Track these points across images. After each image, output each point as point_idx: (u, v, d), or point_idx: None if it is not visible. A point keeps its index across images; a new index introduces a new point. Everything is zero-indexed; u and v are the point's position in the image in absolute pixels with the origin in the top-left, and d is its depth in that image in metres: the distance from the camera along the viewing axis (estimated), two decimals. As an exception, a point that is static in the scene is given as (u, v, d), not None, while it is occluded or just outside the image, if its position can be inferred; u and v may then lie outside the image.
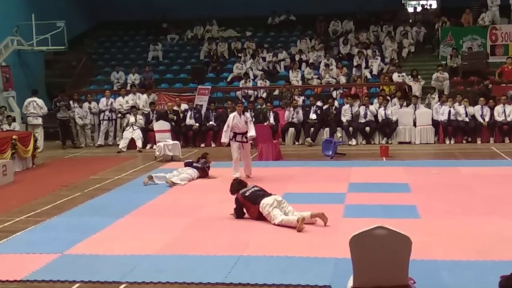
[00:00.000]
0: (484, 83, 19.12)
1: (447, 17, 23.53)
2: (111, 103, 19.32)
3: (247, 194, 9.23)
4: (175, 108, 18.90)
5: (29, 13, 21.66)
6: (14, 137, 14.46)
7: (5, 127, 18.17)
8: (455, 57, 21.21)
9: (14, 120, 18.85)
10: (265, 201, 8.97)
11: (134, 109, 18.67)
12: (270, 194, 9.19)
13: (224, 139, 12.72)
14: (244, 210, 9.23)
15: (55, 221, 9.49)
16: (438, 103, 18.10)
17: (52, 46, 22.79)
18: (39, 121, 18.59)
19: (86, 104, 19.32)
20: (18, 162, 14.54)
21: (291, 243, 7.85)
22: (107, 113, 19.22)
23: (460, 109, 17.54)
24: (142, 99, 19.47)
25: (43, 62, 24.29)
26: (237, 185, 9.59)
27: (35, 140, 15.68)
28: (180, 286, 6.48)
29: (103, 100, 19.35)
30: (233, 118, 12.53)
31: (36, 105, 18.63)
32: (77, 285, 6.58)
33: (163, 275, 6.73)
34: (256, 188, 9.37)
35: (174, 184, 11.89)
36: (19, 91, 20.86)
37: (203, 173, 12.73)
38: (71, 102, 19.23)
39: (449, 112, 17.57)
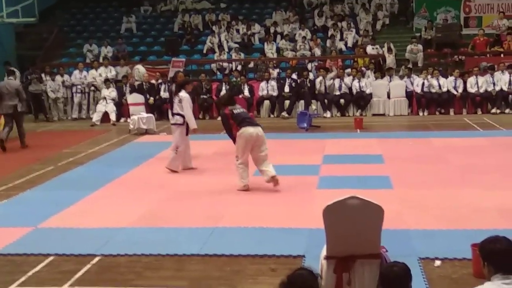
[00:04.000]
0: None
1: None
2: (84, 76, 19.07)
3: (235, 111, 9.13)
4: (152, 81, 18.69)
5: (-2, -16, 21.17)
6: (-16, 110, 14.18)
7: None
8: (429, 29, 21.27)
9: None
10: (246, 131, 8.93)
11: (107, 82, 18.45)
12: (257, 125, 9.15)
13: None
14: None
15: (27, 195, 9.41)
16: (412, 75, 18.18)
17: (23, 18, 22.30)
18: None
19: (58, 77, 19.02)
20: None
21: (266, 215, 7.90)
22: (79, 86, 18.98)
23: (434, 81, 17.67)
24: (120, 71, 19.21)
25: (14, 34, 23.80)
26: (227, 99, 9.47)
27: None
28: (156, 258, 6.49)
29: (76, 73, 19.09)
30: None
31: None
32: (51, 258, 6.56)
33: (138, 247, 6.73)
34: (244, 112, 9.31)
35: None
36: (-11, 64, 20.47)
37: None
38: (42, 75, 18.93)
39: (423, 84, 17.69)
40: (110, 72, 19.32)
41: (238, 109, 9.30)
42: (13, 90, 13.70)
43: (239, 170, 9.22)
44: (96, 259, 6.50)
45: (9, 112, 13.64)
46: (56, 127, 17.58)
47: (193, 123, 10.54)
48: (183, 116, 10.55)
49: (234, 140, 9.19)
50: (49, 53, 22.72)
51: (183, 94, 10.60)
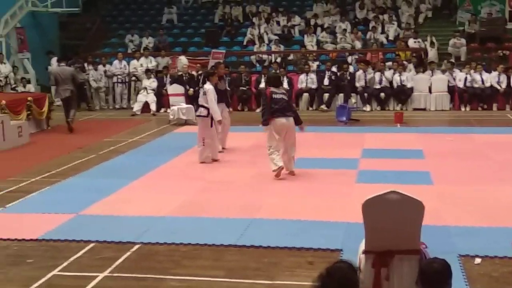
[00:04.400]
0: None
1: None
2: (124, 66, 19.29)
3: (274, 96, 9.38)
4: (193, 72, 18.80)
5: (44, -26, 21.59)
6: (29, 98, 14.54)
7: (20, 88, 18.26)
8: (473, 23, 20.87)
9: (29, 82, 18.90)
10: (279, 121, 9.25)
11: (148, 72, 18.65)
12: (289, 116, 9.36)
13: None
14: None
15: (70, 182, 9.60)
16: (454, 70, 17.88)
17: (67, 7, 22.71)
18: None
19: (100, 67, 19.27)
20: (33, 124, 14.63)
21: (304, 207, 7.90)
22: (120, 76, 19.21)
23: (476, 76, 17.34)
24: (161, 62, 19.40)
25: (58, 24, 24.23)
26: (272, 80, 9.92)
27: (51, 103, 15.72)
28: (193, 247, 6.56)
29: (116, 63, 19.30)
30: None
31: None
32: (92, 244, 6.69)
33: (177, 237, 6.81)
34: (283, 98, 9.44)
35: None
36: (34, 53, 20.90)
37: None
38: (85, 65, 19.23)
39: (465, 79, 17.39)
40: (150, 62, 19.50)
41: (279, 95, 9.47)
42: (69, 76, 14.54)
43: (272, 155, 9.45)
44: (136, 247, 6.61)
45: (67, 95, 14.43)
46: (98, 116, 17.86)
47: (217, 115, 10.53)
48: (207, 108, 10.57)
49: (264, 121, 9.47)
50: (91, 43, 23.06)
51: (207, 86, 10.64)
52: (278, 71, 18.57)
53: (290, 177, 9.55)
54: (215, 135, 10.88)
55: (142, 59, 19.55)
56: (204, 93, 10.59)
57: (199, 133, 10.79)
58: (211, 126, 10.71)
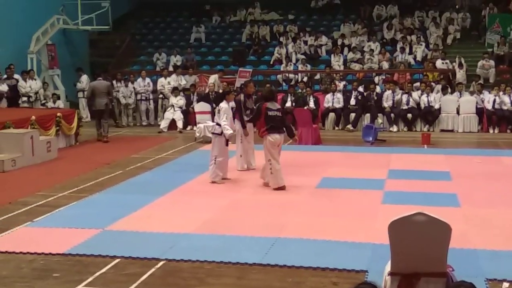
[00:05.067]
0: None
1: (495, 4, 22.96)
2: (148, 83, 19.46)
3: (269, 113, 10.02)
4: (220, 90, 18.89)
5: (74, -7, 21.99)
6: (58, 114, 14.75)
7: (50, 104, 18.53)
8: (502, 45, 20.72)
9: (58, 98, 19.19)
10: (274, 137, 9.97)
11: (176, 90, 18.81)
12: (283, 131, 10.14)
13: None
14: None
15: (97, 198, 9.69)
16: (483, 92, 17.72)
17: (97, 25, 23.08)
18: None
19: (131, 84, 19.50)
20: (62, 139, 14.84)
21: (328, 227, 7.86)
22: (143, 94, 19.36)
23: (505, 98, 17.16)
24: (188, 80, 19.58)
25: (88, 41, 24.64)
26: (267, 95, 10.60)
27: (80, 119, 15.96)
28: (218, 265, 6.57)
29: (140, 81, 19.47)
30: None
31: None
32: (117, 260, 6.73)
33: (201, 254, 6.82)
34: (278, 115, 10.09)
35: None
36: (64, 70, 21.24)
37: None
38: (114, 82, 19.47)
39: (494, 101, 17.22)
40: (181, 80, 19.65)
41: (273, 111, 10.12)
42: (105, 90, 15.89)
43: (275, 171, 9.94)
44: (161, 263, 6.63)
45: (102, 108, 15.72)
46: (125, 132, 18.03)
47: (227, 131, 10.49)
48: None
49: (254, 126, 10.54)
50: (120, 61, 23.38)
51: (223, 104, 10.69)
52: (304, 91, 18.65)
53: (316, 197, 9.52)
54: (227, 154, 10.88)
55: (173, 76, 19.72)
56: (219, 111, 10.66)
57: (212, 151, 10.82)
58: (226, 145, 10.74)
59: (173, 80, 19.59)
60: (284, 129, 10.32)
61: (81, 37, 23.69)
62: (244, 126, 11.30)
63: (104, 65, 21.77)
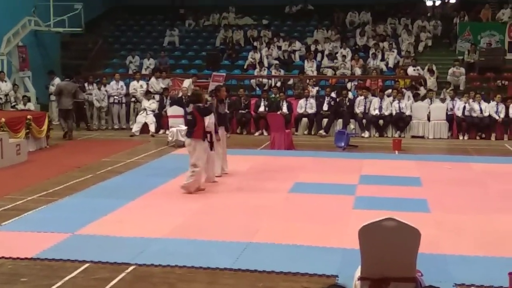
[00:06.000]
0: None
1: (466, 12, 23.33)
2: (121, 87, 19.33)
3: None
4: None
5: (47, -6, 21.76)
6: (28, 117, 14.55)
7: (20, 106, 18.30)
8: (472, 53, 21.04)
9: (29, 100, 18.96)
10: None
11: (148, 93, 18.71)
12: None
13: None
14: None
15: (66, 201, 9.58)
16: (455, 99, 17.96)
17: (69, 27, 22.87)
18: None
19: (103, 87, 19.34)
20: (32, 142, 14.63)
21: (300, 232, 7.88)
22: (116, 96, 19.23)
23: (475, 105, 17.42)
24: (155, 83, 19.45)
25: (60, 43, 24.36)
26: (194, 98, 10.46)
27: (50, 121, 15.78)
28: (189, 270, 6.53)
29: (113, 84, 19.33)
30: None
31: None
32: (86, 265, 6.65)
33: (172, 259, 6.78)
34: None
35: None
36: (35, 72, 20.98)
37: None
38: (85, 85, 19.30)
39: (464, 108, 17.47)
40: (158, 84, 19.49)
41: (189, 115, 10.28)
42: (72, 91, 16.98)
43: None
44: (131, 268, 6.57)
45: (68, 108, 16.94)
46: (96, 136, 17.87)
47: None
48: None
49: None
50: (93, 63, 23.20)
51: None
52: (278, 96, 18.70)
53: (288, 202, 9.53)
54: (206, 160, 10.63)
55: (144, 80, 19.61)
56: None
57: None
58: (211, 149, 10.70)
59: (146, 84, 19.46)
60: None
61: (53, 39, 23.43)
62: (216, 131, 11.24)
63: (76, 67, 21.56)
